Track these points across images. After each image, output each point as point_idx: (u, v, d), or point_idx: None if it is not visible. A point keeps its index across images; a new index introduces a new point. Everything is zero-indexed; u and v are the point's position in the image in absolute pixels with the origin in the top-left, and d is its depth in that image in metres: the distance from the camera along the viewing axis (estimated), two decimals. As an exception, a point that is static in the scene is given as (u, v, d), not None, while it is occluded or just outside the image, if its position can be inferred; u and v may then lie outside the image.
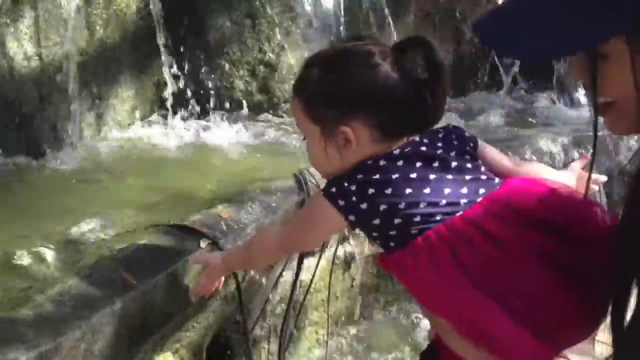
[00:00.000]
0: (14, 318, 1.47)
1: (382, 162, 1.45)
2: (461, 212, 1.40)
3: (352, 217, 1.44)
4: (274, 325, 2.41)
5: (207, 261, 1.77)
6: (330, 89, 1.46)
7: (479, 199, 1.42)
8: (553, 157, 2.98)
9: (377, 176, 1.43)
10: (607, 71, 1.15)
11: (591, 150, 1.40)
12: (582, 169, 1.60)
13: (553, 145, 3.04)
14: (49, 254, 1.86)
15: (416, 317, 2.82)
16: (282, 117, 3.21)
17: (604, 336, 1.41)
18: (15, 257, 1.85)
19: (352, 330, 2.79)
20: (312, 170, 2.35)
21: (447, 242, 1.39)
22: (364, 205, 1.43)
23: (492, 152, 1.56)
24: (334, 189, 1.45)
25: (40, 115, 2.60)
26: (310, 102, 1.49)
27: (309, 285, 2.41)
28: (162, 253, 1.82)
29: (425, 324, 2.65)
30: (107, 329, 1.54)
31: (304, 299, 2.46)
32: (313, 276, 2.39)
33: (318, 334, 2.64)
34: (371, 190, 1.42)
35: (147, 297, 1.68)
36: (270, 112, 3.23)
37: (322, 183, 2.29)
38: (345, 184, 1.44)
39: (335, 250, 2.50)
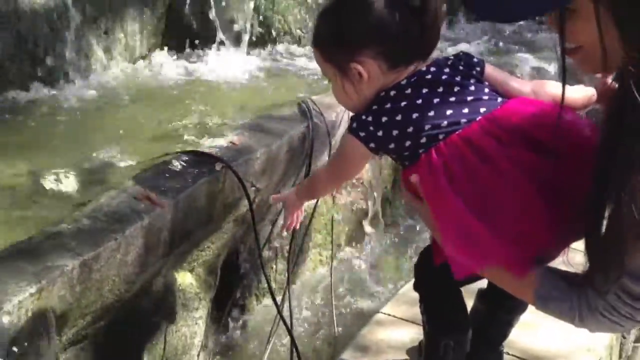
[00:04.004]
0: (58, 231, 1.58)
1: (392, 93, 1.62)
2: (460, 131, 1.55)
3: (372, 145, 1.62)
4: (281, 246, 2.55)
5: (285, 197, 1.96)
6: (336, 33, 1.63)
7: (478, 118, 1.56)
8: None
9: (389, 105, 1.61)
10: (576, 23, 1.34)
11: None
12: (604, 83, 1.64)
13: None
14: (74, 180, 1.97)
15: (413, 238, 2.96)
16: (280, 50, 3.28)
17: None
18: (43, 183, 1.96)
19: (355, 252, 2.93)
20: (315, 98, 2.47)
21: (443, 157, 1.55)
22: (379, 133, 1.60)
23: (499, 74, 1.70)
24: (355, 124, 1.64)
25: (53, 50, 2.67)
26: (324, 49, 1.67)
27: (313, 209, 2.54)
28: (181, 176, 1.92)
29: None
30: (137, 241, 1.67)
31: (310, 222, 2.58)
32: (317, 201, 2.52)
33: (322, 255, 2.78)
34: (384, 119, 1.60)
35: (170, 214, 1.79)
36: (270, 44, 3.30)
37: (324, 110, 2.41)
38: (363, 117, 1.62)
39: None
